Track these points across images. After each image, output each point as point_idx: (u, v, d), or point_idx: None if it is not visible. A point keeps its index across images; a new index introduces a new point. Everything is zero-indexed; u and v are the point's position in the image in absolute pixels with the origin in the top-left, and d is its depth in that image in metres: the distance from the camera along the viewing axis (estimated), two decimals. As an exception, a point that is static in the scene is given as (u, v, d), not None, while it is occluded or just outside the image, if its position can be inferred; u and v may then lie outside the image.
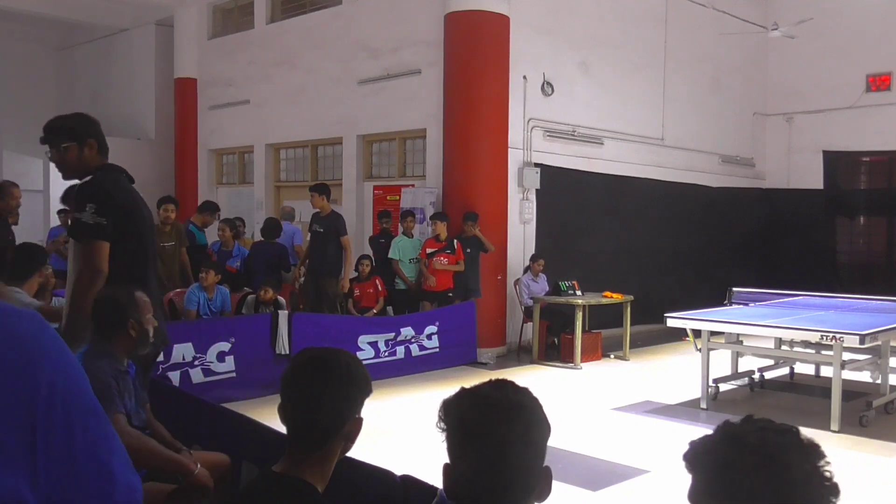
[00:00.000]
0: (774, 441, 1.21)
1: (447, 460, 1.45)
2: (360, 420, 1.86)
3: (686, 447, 1.28)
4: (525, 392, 1.48)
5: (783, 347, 7.97)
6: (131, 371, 3.13)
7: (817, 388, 7.88)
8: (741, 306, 8.57)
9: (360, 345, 8.00)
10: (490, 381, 1.50)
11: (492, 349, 9.47)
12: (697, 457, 1.25)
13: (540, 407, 1.47)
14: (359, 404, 1.86)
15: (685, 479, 1.26)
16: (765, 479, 1.18)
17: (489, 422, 1.40)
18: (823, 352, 7.11)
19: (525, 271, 9.84)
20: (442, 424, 1.45)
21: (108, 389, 2.85)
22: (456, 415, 1.44)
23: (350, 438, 1.86)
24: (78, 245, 3.35)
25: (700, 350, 7.08)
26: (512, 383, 1.49)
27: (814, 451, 1.22)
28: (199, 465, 2.89)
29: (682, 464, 1.28)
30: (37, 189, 15.41)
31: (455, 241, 9.09)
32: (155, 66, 14.98)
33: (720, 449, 1.23)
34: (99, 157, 3.46)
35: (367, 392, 1.87)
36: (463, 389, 1.48)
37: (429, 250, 9.11)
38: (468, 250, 9.12)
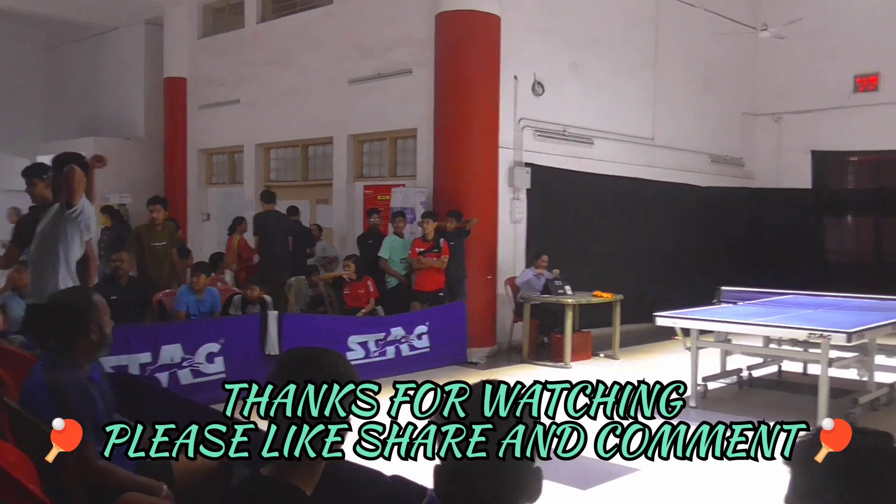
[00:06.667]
0: None
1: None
2: None
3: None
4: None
5: (771, 346, 8.00)
6: (95, 375, 2.98)
7: (805, 386, 7.92)
8: (730, 305, 8.61)
9: (350, 345, 7.98)
10: (481, 382, 1.47)
11: (482, 349, 9.47)
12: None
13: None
14: None
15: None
16: None
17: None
18: (811, 350, 7.16)
19: (529, 266, 9.76)
20: None
21: (75, 414, 2.46)
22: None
23: None
24: None
25: (689, 349, 7.12)
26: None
27: None
28: (165, 488, 2.75)
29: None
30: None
31: (441, 239, 9.10)
32: (145, 65, 14.92)
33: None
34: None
35: None
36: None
37: (418, 250, 9.11)
38: (451, 242, 9.13)
